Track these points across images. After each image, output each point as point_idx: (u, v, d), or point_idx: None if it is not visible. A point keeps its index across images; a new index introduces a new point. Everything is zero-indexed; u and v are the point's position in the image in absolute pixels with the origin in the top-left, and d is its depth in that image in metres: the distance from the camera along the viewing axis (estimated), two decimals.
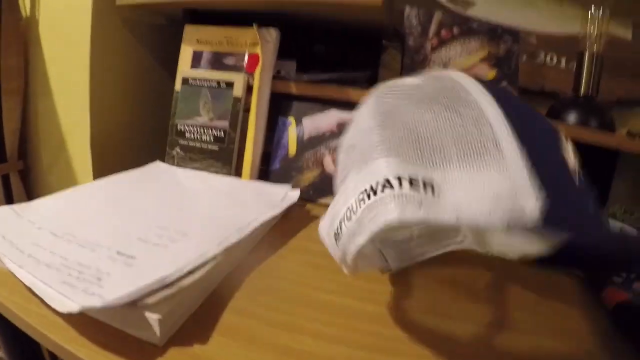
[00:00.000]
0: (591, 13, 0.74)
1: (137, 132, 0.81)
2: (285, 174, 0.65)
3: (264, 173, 0.66)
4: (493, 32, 0.72)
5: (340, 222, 0.28)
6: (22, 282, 0.34)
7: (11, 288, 0.35)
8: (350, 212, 0.27)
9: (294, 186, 0.61)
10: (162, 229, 0.43)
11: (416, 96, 0.33)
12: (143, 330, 0.30)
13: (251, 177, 0.64)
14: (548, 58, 0.89)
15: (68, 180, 0.77)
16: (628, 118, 0.88)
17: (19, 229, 0.42)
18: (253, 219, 0.46)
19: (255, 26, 0.65)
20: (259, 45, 0.66)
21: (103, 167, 0.73)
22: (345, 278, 0.37)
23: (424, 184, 0.26)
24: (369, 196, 0.26)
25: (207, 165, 0.65)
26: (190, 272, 0.35)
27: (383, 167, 0.27)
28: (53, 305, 0.31)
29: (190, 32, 0.72)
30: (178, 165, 0.67)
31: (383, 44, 0.91)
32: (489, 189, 0.24)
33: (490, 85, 0.32)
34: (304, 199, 0.62)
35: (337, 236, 0.29)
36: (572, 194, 0.29)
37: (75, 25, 0.70)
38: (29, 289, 0.34)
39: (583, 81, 0.74)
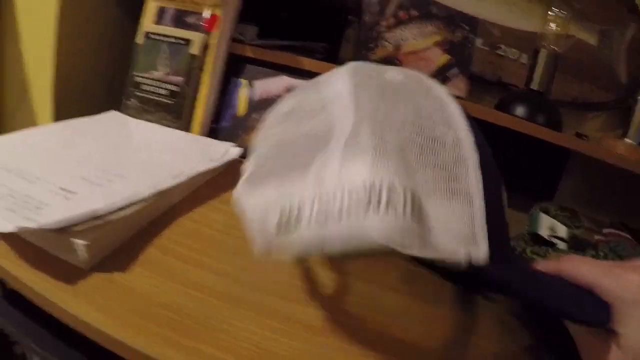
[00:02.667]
0: (552, 12, 0.77)
1: (98, 81, 0.83)
2: (232, 132, 0.69)
3: (213, 131, 0.71)
4: (451, 19, 0.75)
5: (302, 205, 0.27)
6: None
7: None
8: (329, 203, 0.26)
9: (240, 144, 0.65)
10: (103, 172, 0.48)
11: (404, 104, 0.33)
12: (71, 255, 0.35)
13: (200, 133, 0.68)
14: (509, 51, 0.92)
15: (30, 124, 0.79)
16: (579, 120, 0.93)
17: None
18: (190, 169, 0.51)
19: None
20: (220, 6, 0.68)
21: (63, 112, 0.75)
22: None
23: (412, 209, 0.25)
24: (368, 202, 0.25)
25: (159, 117, 0.69)
26: (121, 209, 0.39)
27: (381, 172, 0.26)
28: None
29: None
30: (133, 116, 0.70)
31: (348, 18, 0.94)
32: (457, 232, 0.27)
33: (470, 121, 0.34)
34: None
35: (287, 216, 0.27)
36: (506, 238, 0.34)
37: None
38: None
39: (536, 76, 0.77)
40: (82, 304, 0.32)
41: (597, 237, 0.72)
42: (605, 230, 0.75)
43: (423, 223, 0.26)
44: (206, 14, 0.69)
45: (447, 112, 0.34)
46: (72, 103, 0.78)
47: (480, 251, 0.27)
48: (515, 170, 0.93)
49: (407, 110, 0.33)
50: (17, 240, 0.36)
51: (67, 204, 0.39)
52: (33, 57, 0.77)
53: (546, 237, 0.61)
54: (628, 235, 0.75)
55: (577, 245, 0.60)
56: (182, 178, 0.48)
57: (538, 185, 0.92)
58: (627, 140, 0.77)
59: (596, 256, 0.56)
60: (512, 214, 0.72)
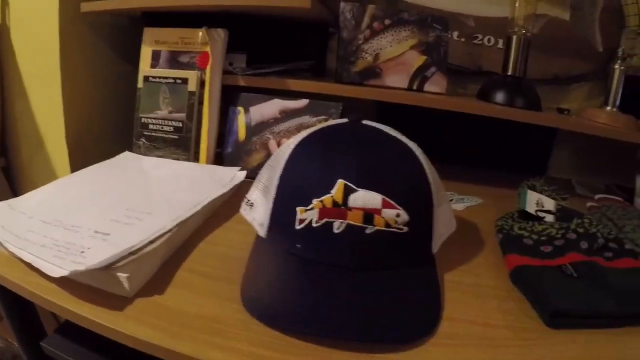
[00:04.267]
0: None
1: (107, 126, 0.91)
2: (236, 157, 0.76)
3: (219, 156, 0.77)
4: (423, 22, 0.81)
5: None
6: (22, 260, 0.45)
7: (12, 266, 0.46)
8: None
9: (244, 167, 0.72)
10: (130, 211, 0.54)
11: None
12: (116, 287, 0.42)
13: (207, 161, 0.75)
14: (486, 40, 0.97)
15: (47, 174, 0.86)
16: (563, 95, 0.97)
17: (14, 219, 0.52)
18: (204, 198, 0.58)
19: (204, 28, 0.74)
20: (208, 44, 0.75)
21: (78, 159, 0.83)
22: None
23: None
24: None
25: (169, 152, 0.76)
26: (151, 242, 0.46)
27: None
28: (49, 273, 0.41)
29: (149, 33, 0.81)
30: (144, 154, 0.78)
31: (330, 31, 1.00)
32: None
33: None
34: (253, 177, 0.73)
35: None
36: None
37: (44, 31, 0.78)
38: (29, 265, 0.44)
39: (511, 62, 0.82)
40: (132, 325, 0.39)
41: (589, 204, 0.76)
42: (598, 196, 0.80)
43: None
44: (198, 52, 0.76)
45: None
46: (85, 150, 0.85)
47: None
48: (506, 150, 0.99)
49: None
50: (66, 282, 0.43)
51: (105, 245, 0.46)
52: (43, 110, 0.84)
53: (533, 212, 0.66)
54: (620, 199, 0.80)
55: (564, 216, 0.64)
56: (199, 207, 0.55)
57: (530, 162, 0.98)
58: (607, 108, 0.81)
59: (581, 224, 0.60)
60: (509, 193, 0.78)
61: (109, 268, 0.41)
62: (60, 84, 0.79)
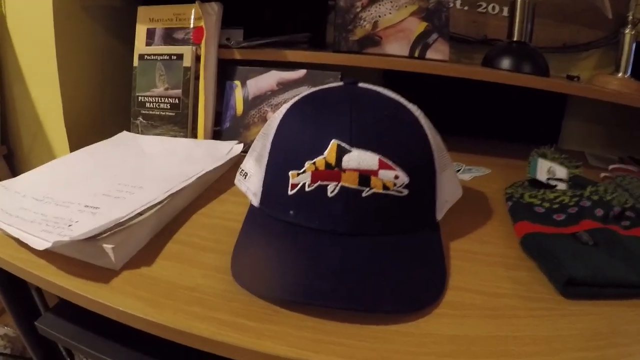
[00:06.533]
0: None
1: (104, 107, 0.89)
2: (235, 132, 0.74)
3: (218, 133, 0.75)
4: None
5: None
6: (12, 236, 0.44)
7: (3, 245, 0.45)
8: None
9: (242, 141, 0.70)
10: (123, 185, 0.53)
11: None
12: (102, 259, 0.40)
13: (205, 137, 0.73)
14: (490, 7, 0.93)
15: (48, 159, 0.85)
16: (572, 63, 0.93)
17: (8, 198, 0.51)
18: (199, 171, 0.56)
19: (197, 2, 0.72)
20: (202, 18, 0.73)
21: (78, 142, 0.81)
22: None
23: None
24: None
25: (166, 130, 0.74)
26: (140, 214, 0.44)
27: None
28: (34, 246, 0.40)
29: (143, 12, 0.79)
30: (142, 132, 0.76)
31: (328, 3, 0.97)
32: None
33: None
34: None
35: None
36: None
37: (40, 16, 0.76)
38: (19, 242, 0.43)
39: (516, 27, 0.78)
40: (118, 297, 0.37)
41: (603, 174, 0.73)
42: (612, 167, 0.76)
43: None
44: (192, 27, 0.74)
45: None
46: (84, 131, 0.83)
47: None
48: (514, 121, 0.96)
49: None
50: (56, 257, 0.41)
51: (94, 218, 0.44)
52: (41, 96, 0.82)
53: (544, 180, 0.63)
54: (635, 169, 0.76)
55: (577, 184, 0.62)
56: (191, 180, 0.53)
57: (540, 133, 0.93)
58: (619, 74, 0.77)
59: (595, 192, 0.57)
60: (518, 164, 0.76)
61: (94, 239, 0.40)
62: (57, 69, 0.77)
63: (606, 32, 0.90)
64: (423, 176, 0.45)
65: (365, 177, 0.41)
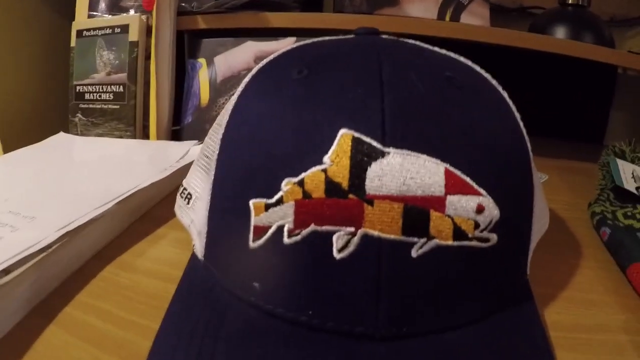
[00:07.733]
0: None
1: (43, 105, 0.70)
2: (198, 128, 0.55)
3: (177, 132, 0.56)
4: None
5: None
6: None
7: None
8: None
9: None
10: (11, 214, 0.34)
11: None
12: None
13: (159, 137, 0.54)
14: None
15: None
16: (621, 38, 0.76)
17: None
18: (128, 189, 0.37)
19: None
20: None
21: (14, 145, 0.63)
22: None
23: None
24: None
25: (110, 129, 0.55)
26: (5, 271, 0.25)
27: None
28: None
29: None
30: (82, 133, 0.57)
31: None
32: None
33: None
34: None
35: None
36: None
37: None
38: None
39: None
40: None
41: None
42: None
43: None
44: None
45: None
46: (19, 133, 0.65)
47: None
48: (555, 113, 0.79)
49: None
50: None
51: None
52: None
53: (634, 190, 0.43)
54: None
55: None
56: (108, 206, 0.34)
57: (584, 127, 0.80)
58: None
59: None
60: (574, 165, 0.58)
61: None
62: None
63: None
64: (518, 204, 0.24)
65: (417, 212, 0.20)
